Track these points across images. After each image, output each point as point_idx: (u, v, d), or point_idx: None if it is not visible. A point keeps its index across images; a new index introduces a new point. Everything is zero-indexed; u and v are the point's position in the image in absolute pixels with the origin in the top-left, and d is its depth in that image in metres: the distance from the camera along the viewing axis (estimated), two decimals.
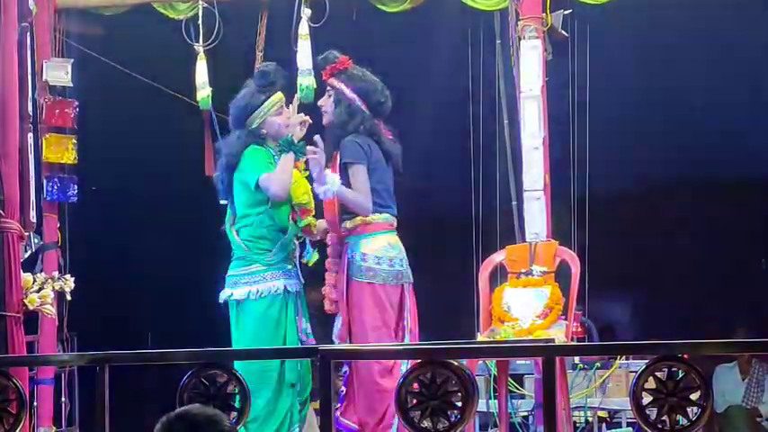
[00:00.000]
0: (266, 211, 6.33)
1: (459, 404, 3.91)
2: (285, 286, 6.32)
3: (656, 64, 10.18)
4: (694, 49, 9.81)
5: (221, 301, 6.40)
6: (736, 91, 10.00)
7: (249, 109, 6.43)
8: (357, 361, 6.29)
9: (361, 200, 6.41)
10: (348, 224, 6.44)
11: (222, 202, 6.55)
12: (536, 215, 7.40)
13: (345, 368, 6.50)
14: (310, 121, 6.46)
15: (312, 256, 6.56)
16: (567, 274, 7.14)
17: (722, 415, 9.73)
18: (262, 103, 6.43)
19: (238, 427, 3.92)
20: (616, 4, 7.91)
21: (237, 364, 5.80)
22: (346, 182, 6.39)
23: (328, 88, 6.61)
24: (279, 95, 6.48)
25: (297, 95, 6.68)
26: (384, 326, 6.39)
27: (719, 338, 8.74)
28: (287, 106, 6.49)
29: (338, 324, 6.47)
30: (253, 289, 6.29)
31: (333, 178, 6.35)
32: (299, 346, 6.27)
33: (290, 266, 6.39)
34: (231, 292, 6.34)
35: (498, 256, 7.42)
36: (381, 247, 6.42)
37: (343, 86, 6.54)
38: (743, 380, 9.96)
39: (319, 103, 6.65)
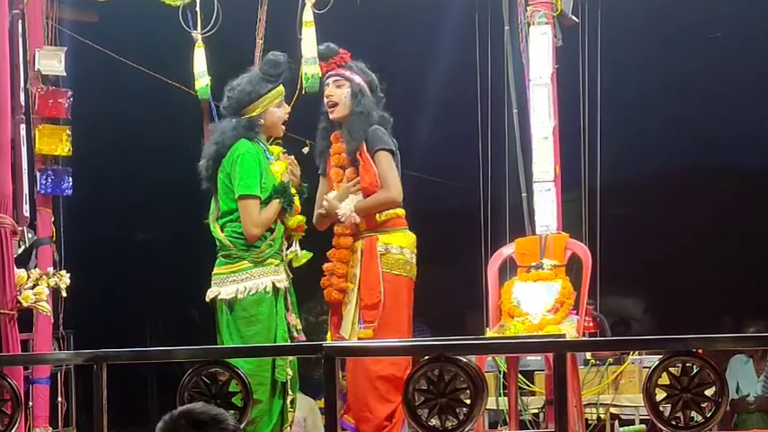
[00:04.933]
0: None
1: (468, 401, 3.94)
2: (273, 283, 6.33)
3: (670, 50, 10.19)
4: (710, 33, 9.83)
5: (208, 300, 6.38)
6: (754, 79, 10.01)
7: (254, 96, 6.43)
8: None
9: (390, 196, 6.52)
10: (381, 216, 6.52)
11: (209, 192, 6.54)
12: (546, 207, 7.42)
13: None
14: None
15: (303, 255, 6.56)
16: (579, 267, 7.17)
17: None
18: (268, 92, 6.45)
19: (241, 427, 3.95)
20: None
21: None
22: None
23: (337, 78, 6.65)
24: (282, 88, 6.51)
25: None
26: (411, 320, 6.57)
27: (734, 332, 8.79)
28: (287, 102, 6.54)
29: (351, 317, 6.51)
30: (240, 287, 6.29)
31: (343, 202, 6.48)
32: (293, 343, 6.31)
33: (277, 262, 6.40)
34: (218, 290, 6.32)
35: (507, 250, 7.44)
36: (413, 242, 6.59)
37: (358, 78, 6.60)
38: (758, 376, 10.00)
39: (329, 93, 6.66)
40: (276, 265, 6.37)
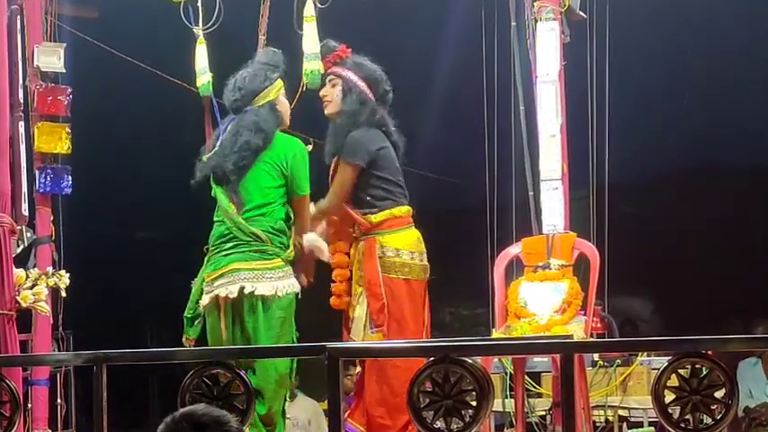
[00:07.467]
0: (287, 204, 6.33)
1: (474, 403, 3.93)
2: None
3: (679, 46, 10.20)
4: (719, 29, 9.84)
5: (235, 293, 6.18)
6: (756, 78, 10.01)
7: (267, 82, 6.42)
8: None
9: (320, 208, 6.54)
10: (374, 218, 6.49)
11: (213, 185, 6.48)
12: (553, 206, 7.42)
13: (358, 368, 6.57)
14: None
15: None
16: (586, 267, 7.16)
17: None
18: (276, 80, 6.46)
19: (244, 428, 3.95)
20: None
21: (262, 368, 5.91)
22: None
23: (331, 77, 6.65)
24: (281, 82, 6.52)
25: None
26: (421, 322, 6.52)
27: (743, 333, 8.77)
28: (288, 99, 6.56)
29: (363, 321, 6.49)
30: (279, 285, 6.19)
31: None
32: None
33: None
34: (255, 286, 6.17)
35: (514, 249, 7.44)
36: (413, 242, 6.53)
37: (350, 74, 6.59)
38: (767, 377, 9.99)
39: (322, 93, 6.67)
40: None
